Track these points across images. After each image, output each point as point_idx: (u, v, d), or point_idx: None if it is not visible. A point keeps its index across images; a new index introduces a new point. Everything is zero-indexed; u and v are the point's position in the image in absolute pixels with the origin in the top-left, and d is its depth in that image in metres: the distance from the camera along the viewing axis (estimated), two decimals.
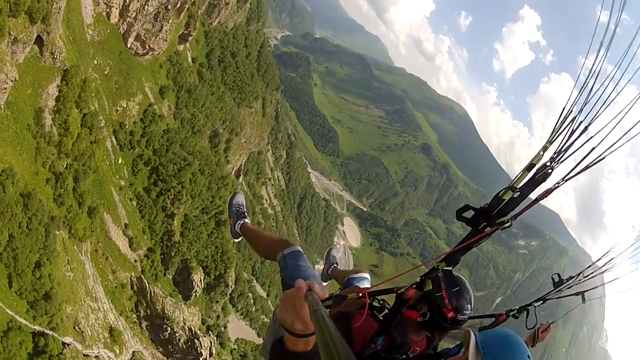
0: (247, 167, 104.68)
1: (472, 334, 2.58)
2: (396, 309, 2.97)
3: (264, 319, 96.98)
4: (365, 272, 5.13)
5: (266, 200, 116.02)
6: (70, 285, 57.03)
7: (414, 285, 2.83)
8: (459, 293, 3.04)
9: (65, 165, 55.18)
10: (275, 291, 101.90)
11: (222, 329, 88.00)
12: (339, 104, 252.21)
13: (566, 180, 2.30)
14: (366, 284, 4.93)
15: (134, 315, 70.85)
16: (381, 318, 3.19)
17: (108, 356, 61.50)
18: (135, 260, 72.46)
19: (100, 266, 65.49)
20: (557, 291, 3.73)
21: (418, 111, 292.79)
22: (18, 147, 47.53)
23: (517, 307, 3.81)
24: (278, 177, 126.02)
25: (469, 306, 3.09)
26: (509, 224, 2.38)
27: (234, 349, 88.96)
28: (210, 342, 79.28)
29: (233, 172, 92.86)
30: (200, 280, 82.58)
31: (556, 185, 2.29)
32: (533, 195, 2.38)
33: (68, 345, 53.32)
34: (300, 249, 4.60)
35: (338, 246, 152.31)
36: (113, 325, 64.72)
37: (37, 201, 49.90)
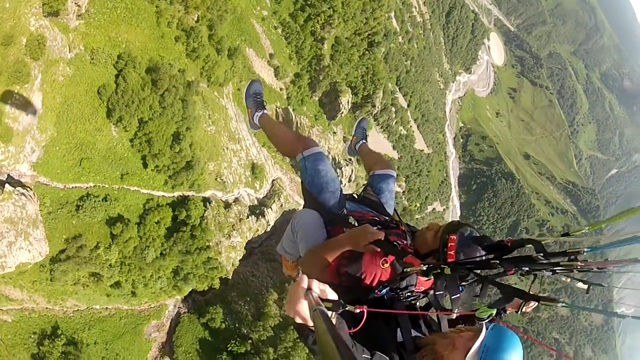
0: None
1: (482, 335, 2.48)
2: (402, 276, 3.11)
3: (401, 130, 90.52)
4: (392, 169, 4.88)
5: (415, 7, 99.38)
6: (213, 139, 52.92)
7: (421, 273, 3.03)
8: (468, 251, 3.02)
9: (196, 19, 43.22)
10: (416, 101, 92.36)
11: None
12: None
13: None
14: (391, 183, 4.75)
15: None
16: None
17: (248, 194, 61.64)
18: (280, 89, 64.48)
19: (244, 104, 59.24)
20: (568, 270, 2.78)
21: None
22: (133, 21, 36.13)
23: (527, 268, 2.92)
24: None
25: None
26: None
27: None
28: (352, 171, 76.69)
29: None
30: (348, 101, 74.67)
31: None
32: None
33: (210, 203, 52.87)
34: (321, 150, 4.34)
35: (480, 61, 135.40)
36: (255, 161, 62.63)
37: (166, 72, 41.14)
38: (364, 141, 6.09)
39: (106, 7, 33.00)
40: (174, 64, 42.68)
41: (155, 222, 44.76)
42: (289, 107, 65.17)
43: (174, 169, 46.28)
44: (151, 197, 45.00)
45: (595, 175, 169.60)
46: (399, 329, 2.91)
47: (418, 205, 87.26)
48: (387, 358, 2.65)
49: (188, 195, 50.23)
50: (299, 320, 2.06)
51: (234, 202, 58.21)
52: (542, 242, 2.69)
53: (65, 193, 34.51)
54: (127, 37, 36.64)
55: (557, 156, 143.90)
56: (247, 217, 58.14)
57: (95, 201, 36.96)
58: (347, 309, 2.13)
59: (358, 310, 2.20)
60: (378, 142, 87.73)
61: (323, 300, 2.00)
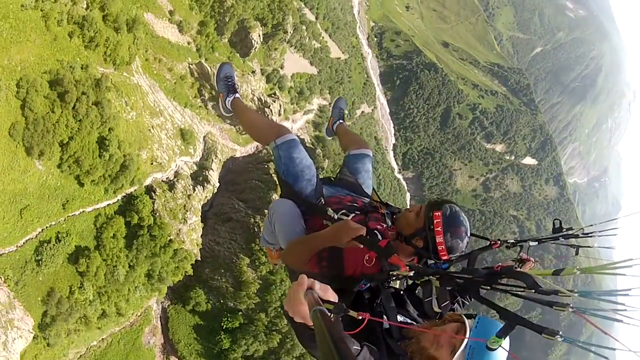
0: None
1: (465, 338, 2.39)
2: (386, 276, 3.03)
3: (314, 44, 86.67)
4: (368, 148, 4.84)
5: None
6: (137, 125, 48.17)
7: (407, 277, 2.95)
8: (455, 233, 3.04)
9: (85, 6, 36.80)
10: (323, 11, 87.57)
11: (280, 70, 79.72)
12: None
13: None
14: (367, 163, 4.70)
15: (199, 100, 62.61)
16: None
17: (185, 162, 58.34)
18: (188, 43, 58.40)
19: (155, 72, 53.33)
20: (553, 238, 3.26)
21: None
22: (22, 37, 30.29)
23: (513, 240, 3.52)
24: None
25: (462, 246, 3.08)
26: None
27: (291, 87, 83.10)
28: (280, 105, 73.91)
29: None
30: (259, 35, 69.48)
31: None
32: None
33: (154, 192, 49.64)
34: (295, 137, 4.15)
35: None
36: (182, 126, 58.29)
37: (71, 80, 35.59)
38: (341, 121, 5.77)
39: None
40: (74, 64, 36.96)
41: (112, 237, 42.19)
42: (201, 60, 59.94)
43: (110, 176, 42.68)
44: (98, 213, 41.77)
45: (519, 54, 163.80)
46: (384, 316, 2.93)
47: (346, 112, 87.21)
48: (375, 349, 2.62)
49: (131, 192, 47.05)
50: (299, 320, 2.05)
51: (175, 178, 55.29)
52: (534, 278, 2.53)
53: (20, 253, 31.16)
54: (20, 57, 30.81)
55: (476, 40, 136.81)
56: (194, 190, 55.89)
57: (50, 247, 33.91)
58: (349, 314, 2.11)
59: (360, 317, 2.13)
60: (295, 62, 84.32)
61: (324, 301, 1.99)
